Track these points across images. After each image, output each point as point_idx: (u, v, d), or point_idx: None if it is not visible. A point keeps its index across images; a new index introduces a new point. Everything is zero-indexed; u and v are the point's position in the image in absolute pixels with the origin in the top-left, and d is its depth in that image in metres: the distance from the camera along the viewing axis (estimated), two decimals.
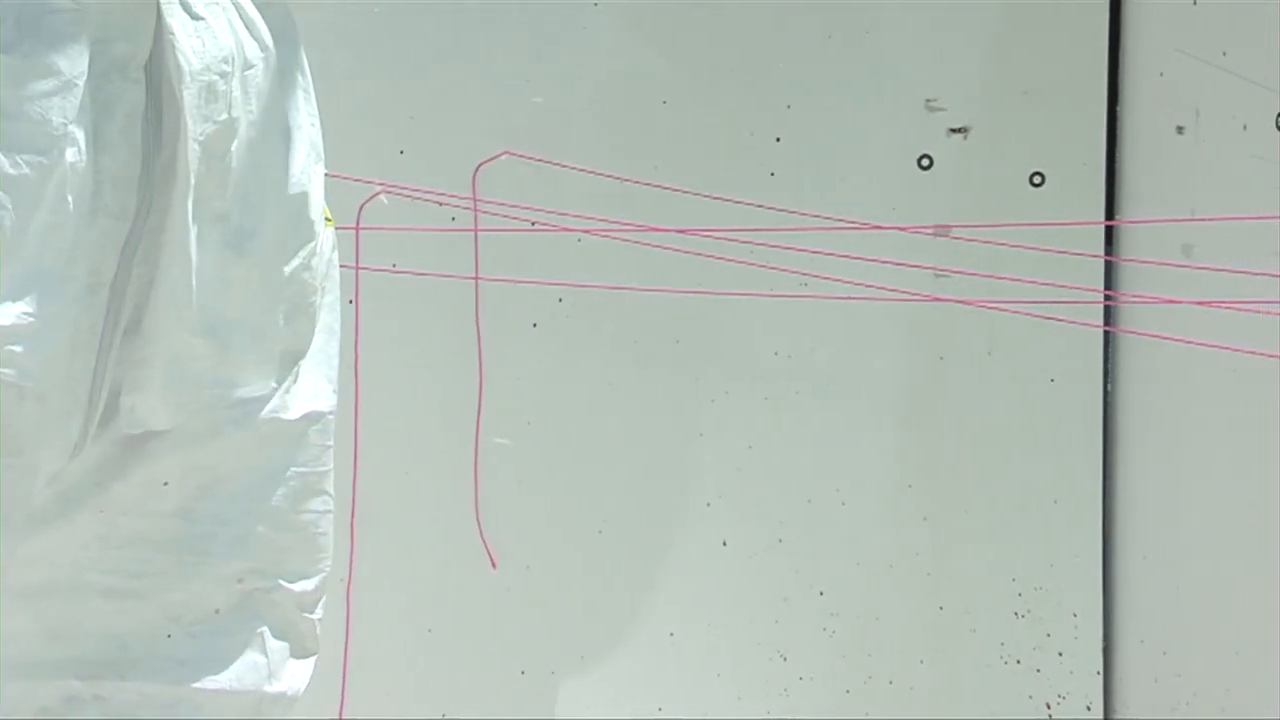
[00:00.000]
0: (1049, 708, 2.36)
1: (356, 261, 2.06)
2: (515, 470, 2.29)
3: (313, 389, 1.38)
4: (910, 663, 2.36)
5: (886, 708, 2.36)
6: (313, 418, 1.38)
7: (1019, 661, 2.35)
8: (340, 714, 2.00)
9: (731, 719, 2.35)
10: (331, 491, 1.41)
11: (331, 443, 1.41)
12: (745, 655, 2.36)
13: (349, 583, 2.05)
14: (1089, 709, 2.35)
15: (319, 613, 1.40)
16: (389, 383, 2.23)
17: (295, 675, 1.37)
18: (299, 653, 1.38)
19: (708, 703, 2.36)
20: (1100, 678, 2.34)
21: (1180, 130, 2.17)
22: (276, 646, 1.35)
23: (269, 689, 1.35)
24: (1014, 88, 2.28)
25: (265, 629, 1.35)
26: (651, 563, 2.35)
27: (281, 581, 1.36)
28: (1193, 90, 2.14)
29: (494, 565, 2.28)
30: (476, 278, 2.20)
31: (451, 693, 2.32)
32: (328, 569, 1.41)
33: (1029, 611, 2.34)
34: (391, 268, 2.18)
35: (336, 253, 1.44)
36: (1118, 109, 2.29)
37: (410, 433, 2.29)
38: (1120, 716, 2.35)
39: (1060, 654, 2.35)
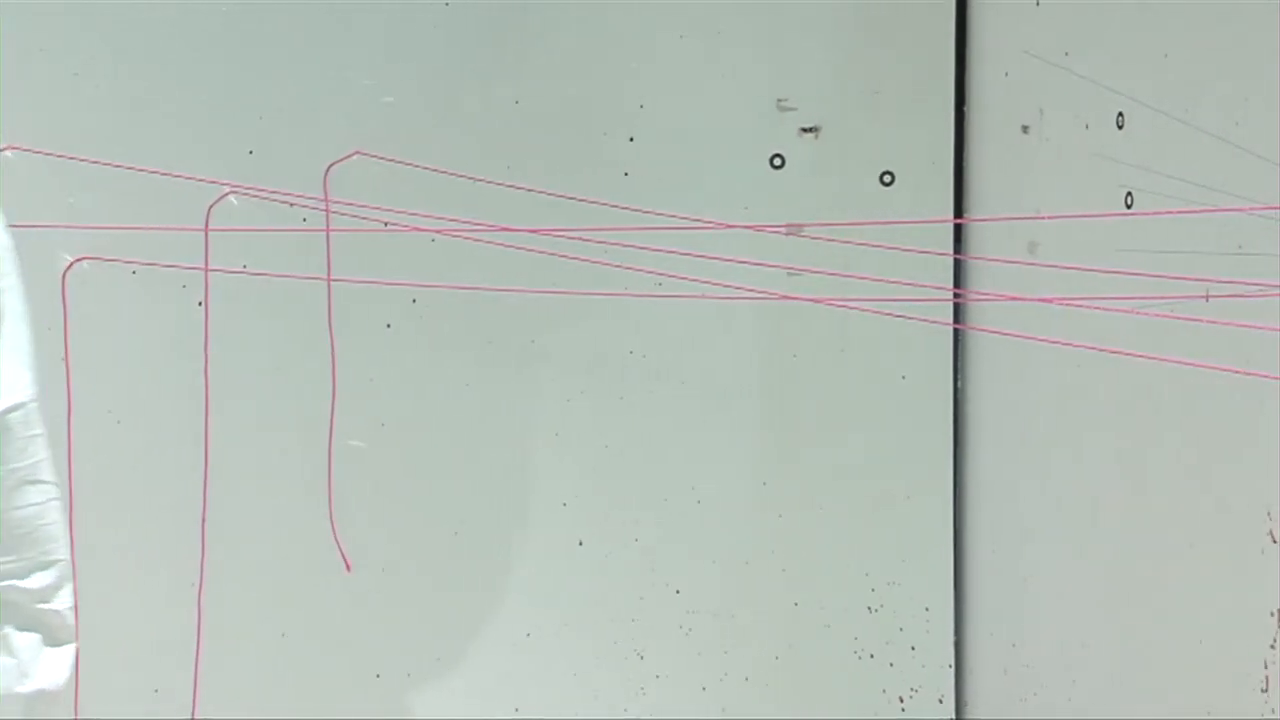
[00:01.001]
0: (902, 701, 2.38)
1: (206, 264, 2.03)
2: (370, 472, 2.28)
3: (7, 378, 1.36)
4: (766, 659, 2.38)
5: (742, 704, 2.37)
6: (11, 408, 1.35)
7: (873, 656, 2.38)
8: (193, 716, 1.98)
9: (588, 718, 2.36)
10: (51, 479, 1.39)
11: (39, 431, 1.38)
12: (602, 654, 2.36)
13: (200, 587, 2.03)
14: (941, 701, 2.38)
15: (63, 601, 1.38)
16: (240, 386, 2.21)
17: (52, 669, 1.35)
18: (51, 642, 1.36)
19: (564, 702, 2.36)
20: (952, 670, 2.38)
21: (1025, 130, 2.20)
22: (24, 644, 1.34)
23: (23, 689, 1.33)
24: (864, 88, 2.31)
25: (8, 629, 1.34)
26: (507, 563, 2.35)
27: (14, 581, 1.34)
28: (1037, 90, 2.17)
29: (348, 568, 2.26)
30: (329, 279, 2.18)
31: (305, 697, 2.30)
32: (64, 556, 1.39)
33: (882, 606, 2.37)
34: (242, 269, 2.16)
35: (9, 236, 1.42)
36: (965, 109, 2.32)
37: (263, 436, 2.27)
38: (971, 708, 2.39)
39: (913, 648, 2.38)
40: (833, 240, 2.17)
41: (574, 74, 2.29)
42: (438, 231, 2.18)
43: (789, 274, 2.24)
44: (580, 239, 2.13)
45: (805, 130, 2.31)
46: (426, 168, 2.16)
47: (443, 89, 2.27)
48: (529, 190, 2.16)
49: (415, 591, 2.32)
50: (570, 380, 2.33)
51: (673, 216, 2.13)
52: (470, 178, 2.16)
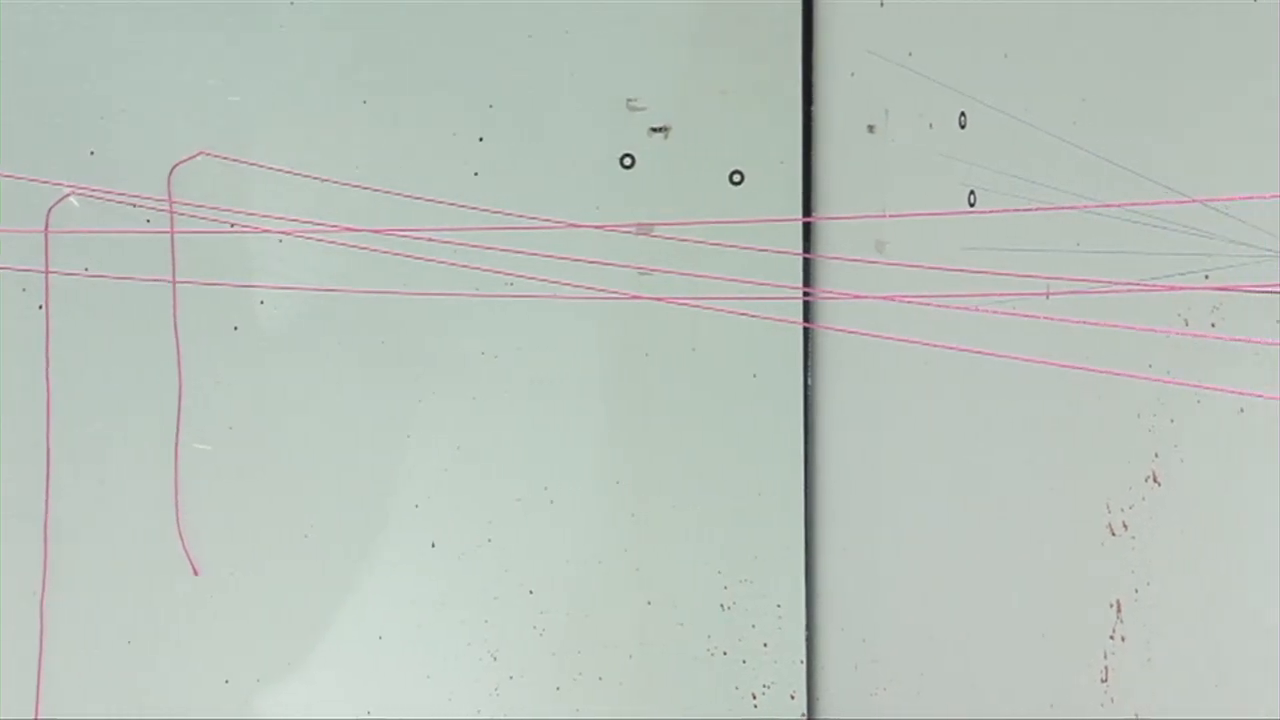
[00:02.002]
0: (754, 698, 2.40)
1: (46, 266, 2.01)
2: (217, 476, 2.26)
3: None
4: (619, 658, 2.38)
5: (596, 704, 2.38)
6: None
7: (725, 653, 2.39)
8: None
9: None
10: None
11: None
12: (455, 656, 2.36)
13: (42, 593, 2.00)
14: (793, 697, 2.40)
15: None
16: (83, 390, 2.18)
17: None
18: None
19: (418, 705, 2.35)
20: (804, 666, 2.40)
21: (871, 129, 2.23)
22: None
23: None
24: (712, 87, 2.32)
25: None
26: (359, 566, 2.33)
27: None
28: (882, 90, 2.19)
29: (196, 572, 2.24)
30: (174, 280, 2.16)
31: (153, 704, 2.28)
32: None
33: (735, 604, 2.38)
34: (84, 272, 2.13)
35: None
36: (812, 109, 2.34)
37: (107, 440, 2.24)
38: (822, 703, 2.41)
39: (765, 645, 2.39)
40: (683, 239, 2.18)
41: (422, 74, 2.28)
42: (284, 233, 2.17)
43: (640, 273, 2.25)
44: (429, 239, 2.12)
45: (655, 130, 2.32)
46: (273, 168, 2.15)
47: (289, 88, 2.25)
48: (377, 190, 2.15)
49: (265, 595, 2.30)
50: (420, 381, 2.32)
51: (522, 216, 2.13)
52: (317, 178, 2.15)
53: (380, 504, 2.33)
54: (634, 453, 2.37)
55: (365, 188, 2.15)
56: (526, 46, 2.29)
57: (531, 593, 2.36)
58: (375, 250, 2.12)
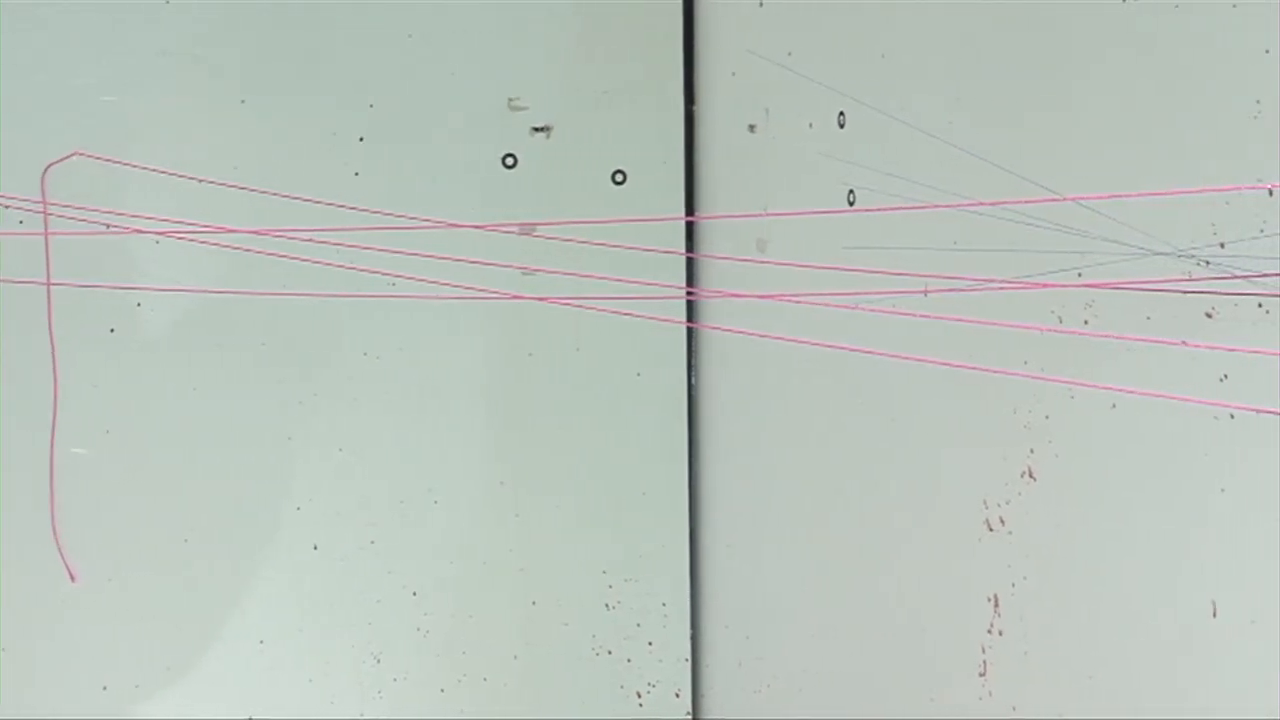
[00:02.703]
0: (639, 696, 2.41)
1: None
2: (94, 480, 2.23)
3: None
4: (504, 659, 2.38)
5: (481, 705, 2.38)
6: None
7: (610, 652, 2.39)
8: None
9: None
10: None
11: None
12: (338, 659, 2.34)
13: None
14: (678, 696, 2.41)
15: None
16: None
17: None
18: None
19: (300, 708, 2.34)
20: (688, 664, 2.40)
21: (752, 129, 2.24)
22: None
23: None
24: (594, 87, 2.32)
25: None
26: (240, 570, 2.31)
27: None
28: (763, 89, 2.20)
29: (73, 579, 2.22)
30: (49, 283, 2.13)
31: (30, 712, 2.24)
32: None
33: (620, 603, 2.39)
34: None
35: None
36: (694, 109, 2.35)
37: None
38: (707, 701, 2.42)
39: (650, 643, 2.40)
40: (566, 239, 2.18)
41: (301, 73, 2.26)
42: (161, 234, 2.14)
43: (523, 273, 2.25)
44: (309, 240, 2.11)
45: (537, 129, 2.31)
46: (149, 168, 2.13)
47: (166, 88, 2.23)
48: (255, 190, 2.13)
49: (143, 600, 2.27)
50: (302, 383, 2.30)
51: (404, 216, 2.12)
52: (194, 178, 2.13)
53: (261, 507, 2.31)
54: (518, 453, 2.37)
55: (243, 188, 2.14)
56: (407, 46, 2.28)
57: (415, 594, 2.35)
58: (254, 251, 2.11)
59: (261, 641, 2.32)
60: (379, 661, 2.35)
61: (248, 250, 2.12)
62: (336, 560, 2.33)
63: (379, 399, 2.32)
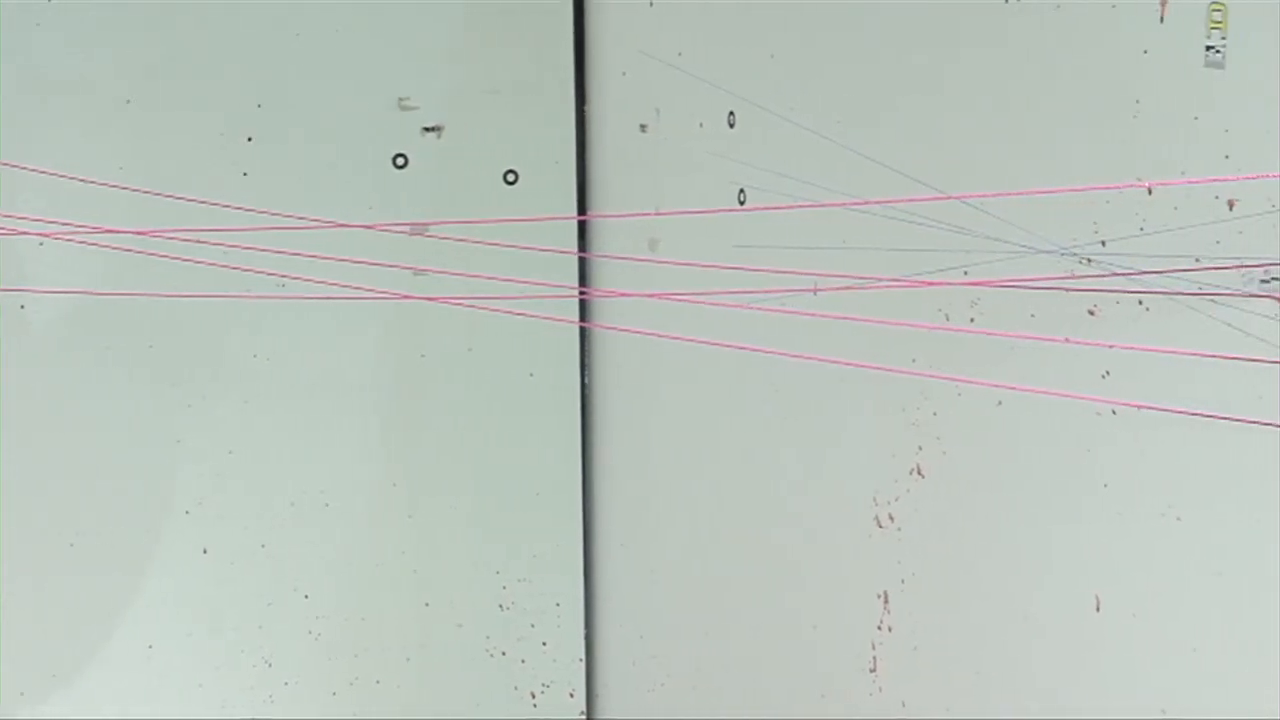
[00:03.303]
0: (534, 697, 2.40)
1: None
2: None
3: None
4: (397, 661, 2.37)
5: (374, 707, 2.36)
6: None
7: (504, 653, 2.39)
8: None
9: None
10: None
11: None
12: (228, 663, 2.32)
13: None
14: (572, 696, 2.41)
15: None
16: None
17: None
18: None
19: (190, 714, 2.31)
20: (583, 664, 2.40)
21: (644, 129, 2.24)
22: None
23: None
24: (485, 87, 2.31)
25: None
26: (128, 574, 2.29)
27: None
28: (654, 89, 2.20)
29: None
30: None
31: None
32: None
33: (514, 603, 2.38)
34: None
35: None
36: (585, 108, 2.34)
37: None
38: (601, 701, 2.42)
39: (544, 644, 2.39)
40: (458, 239, 2.17)
41: (188, 73, 2.24)
42: (45, 235, 2.11)
43: (414, 274, 2.24)
44: (197, 241, 2.09)
45: (428, 129, 2.31)
46: (31, 169, 2.10)
47: (49, 87, 2.20)
48: (141, 191, 2.11)
49: (29, 607, 2.24)
50: (191, 385, 2.28)
51: (293, 217, 2.10)
52: (79, 179, 2.10)
53: (149, 511, 2.29)
54: (411, 454, 2.36)
55: (129, 189, 2.11)
56: (295, 45, 2.26)
57: (307, 597, 2.34)
58: (141, 252, 2.08)
59: (150, 646, 2.29)
60: (270, 665, 2.34)
61: (133, 251, 2.09)
62: (226, 564, 2.31)
63: (269, 401, 2.30)
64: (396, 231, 2.22)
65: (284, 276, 2.10)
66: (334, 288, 2.11)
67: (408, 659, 2.37)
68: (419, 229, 2.24)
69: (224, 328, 2.27)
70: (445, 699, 2.38)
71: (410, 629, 2.36)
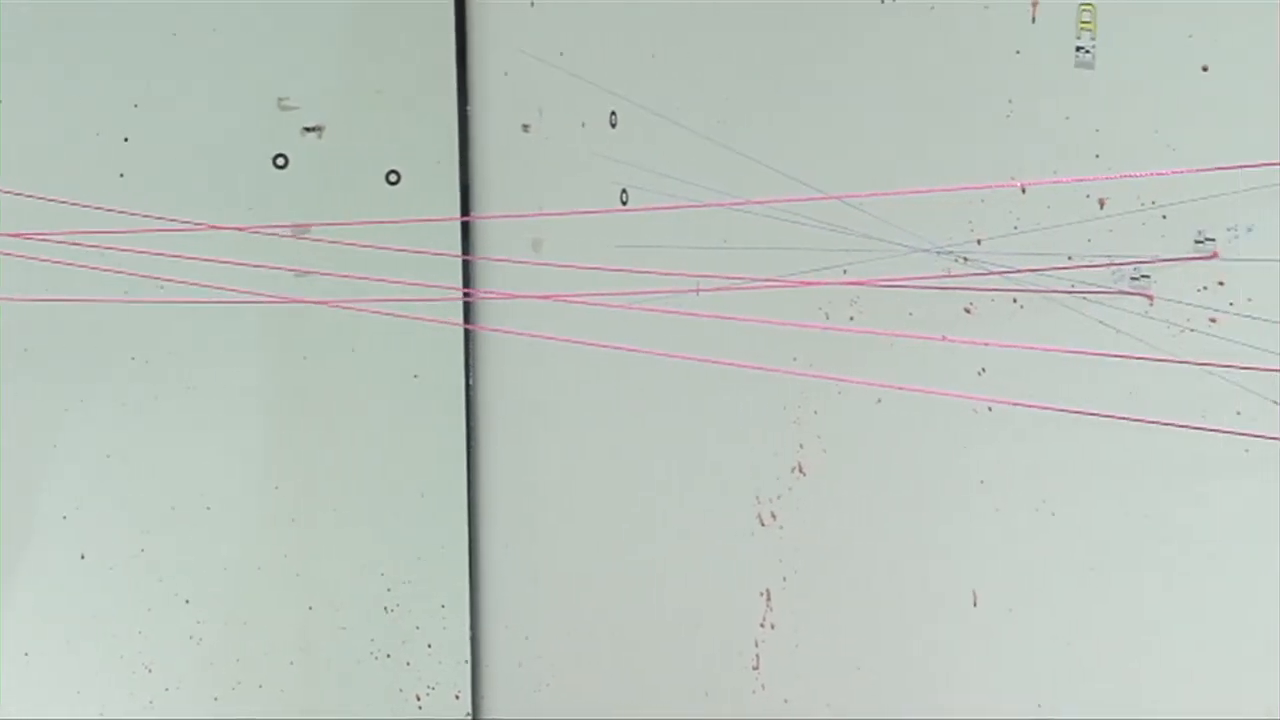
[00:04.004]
0: (419, 699, 2.39)
1: None
2: None
3: None
4: (280, 665, 2.35)
5: (257, 712, 2.34)
6: None
7: (389, 656, 2.38)
8: None
9: None
10: None
11: None
12: (107, 670, 2.29)
13: None
14: (457, 697, 2.40)
15: None
16: None
17: None
18: None
19: None
20: (468, 666, 2.40)
21: (526, 129, 2.24)
22: None
23: None
24: (366, 87, 2.30)
25: None
26: (4, 580, 2.25)
27: None
28: (536, 89, 2.20)
29: None
30: None
31: None
32: None
33: (398, 606, 2.37)
34: None
35: None
36: (468, 108, 2.34)
37: None
38: (487, 702, 2.41)
39: (429, 646, 2.38)
40: (340, 241, 2.15)
41: (62, 73, 2.21)
42: None
43: (296, 275, 2.22)
44: (74, 243, 2.06)
45: (308, 129, 2.29)
46: None
47: None
48: (14, 194, 2.08)
49: None
50: (67, 388, 2.25)
51: (172, 219, 2.08)
52: None
53: (25, 516, 2.26)
54: (294, 457, 2.34)
55: (3, 190, 2.08)
56: (171, 45, 2.24)
57: (188, 602, 2.31)
58: (15, 255, 2.05)
59: (27, 654, 2.26)
60: (150, 671, 2.31)
61: (8, 255, 2.06)
62: (105, 569, 2.28)
63: (148, 404, 2.28)
64: (277, 233, 2.21)
65: (162, 280, 2.08)
66: (214, 291, 2.09)
67: (291, 663, 2.35)
68: (300, 230, 2.22)
69: (102, 331, 2.24)
70: (329, 702, 2.36)
71: (293, 632, 2.35)
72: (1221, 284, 1.32)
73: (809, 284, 1.73)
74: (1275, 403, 1.28)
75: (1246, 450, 1.31)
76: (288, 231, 2.22)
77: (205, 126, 2.26)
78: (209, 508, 2.31)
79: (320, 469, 2.35)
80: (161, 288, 2.11)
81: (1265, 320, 1.28)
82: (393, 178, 2.32)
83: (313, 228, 2.20)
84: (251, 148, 2.27)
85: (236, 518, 2.32)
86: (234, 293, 2.10)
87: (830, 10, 1.72)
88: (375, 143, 2.31)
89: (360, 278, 2.12)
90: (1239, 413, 1.31)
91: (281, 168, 2.28)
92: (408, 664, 2.38)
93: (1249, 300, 1.30)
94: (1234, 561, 1.34)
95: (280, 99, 2.27)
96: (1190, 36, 1.32)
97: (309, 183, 2.30)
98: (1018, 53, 1.49)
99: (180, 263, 2.04)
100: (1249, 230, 1.29)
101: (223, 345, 2.30)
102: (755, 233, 1.80)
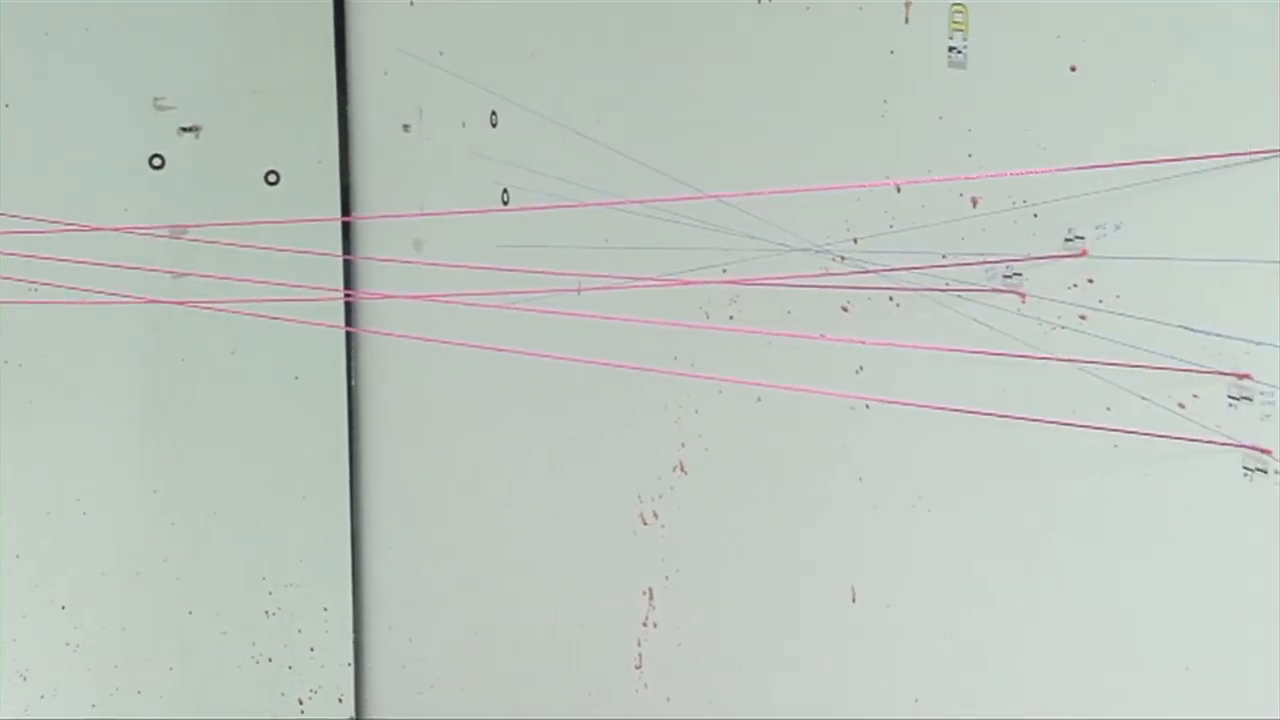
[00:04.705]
0: (302, 703, 2.38)
1: None
2: None
3: None
4: (160, 670, 2.32)
5: (136, 718, 2.32)
6: None
7: (271, 660, 2.36)
8: None
9: None
10: None
11: None
12: None
13: None
14: (341, 701, 2.39)
15: None
16: None
17: None
18: None
19: None
20: (351, 669, 2.38)
21: (407, 128, 2.23)
22: None
23: None
24: (244, 86, 2.28)
25: None
26: None
27: None
28: (416, 89, 2.19)
29: None
30: None
31: None
32: None
33: (280, 609, 2.35)
34: None
35: None
36: (348, 108, 2.32)
37: None
38: (371, 705, 2.40)
39: (312, 649, 2.37)
40: (219, 242, 2.13)
41: None
42: None
43: (174, 277, 2.20)
44: None
45: (185, 130, 2.27)
46: None
47: None
48: None
49: None
50: None
51: (46, 220, 2.06)
52: None
53: None
54: (173, 460, 2.32)
55: None
56: (44, 44, 2.20)
57: (64, 608, 2.28)
58: None
59: None
60: (25, 679, 2.28)
61: None
62: None
63: (22, 408, 2.24)
64: (154, 234, 2.18)
65: (38, 283, 2.05)
66: (89, 293, 2.06)
67: (170, 668, 2.33)
68: (178, 232, 2.20)
69: None
70: (210, 708, 2.34)
71: (173, 638, 2.32)
72: (1091, 281, 1.34)
73: (689, 283, 1.74)
74: (1144, 399, 1.29)
75: (1115, 446, 1.33)
76: (165, 233, 2.20)
77: (80, 127, 2.23)
78: (86, 512, 2.28)
79: (200, 472, 2.32)
80: (35, 290, 2.08)
81: (1133, 317, 1.30)
82: (272, 178, 2.30)
83: (191, 229, 2.18)
84: (127, 148, 2.25)
85: (114, 522, 2.29)
86: (110, 295, 2.08)
87: (708, 10, 1.73)
88: (254, 143, 2.29)
89: (240, 279, 2.10)
90: (1109, 409, 1.32)
91: (158, 168, 2.26)
92: (290, 668, 2.36)
93: (1117, 297, 1.32)
94: (1106, 555, 1.36)
95: (156, 99, 2.25)
96: (1058, 37, 1.34)
97: (187, 183, 2.27)
98: (892, 53, 1.50)
99: (55, 265, 2.01)
100: (1117, 228, 1.31)
101: (100, 348, 2.27)
102: (636, 232, 1.80)
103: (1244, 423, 1.22)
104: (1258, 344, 1.20)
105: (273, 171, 2.30)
